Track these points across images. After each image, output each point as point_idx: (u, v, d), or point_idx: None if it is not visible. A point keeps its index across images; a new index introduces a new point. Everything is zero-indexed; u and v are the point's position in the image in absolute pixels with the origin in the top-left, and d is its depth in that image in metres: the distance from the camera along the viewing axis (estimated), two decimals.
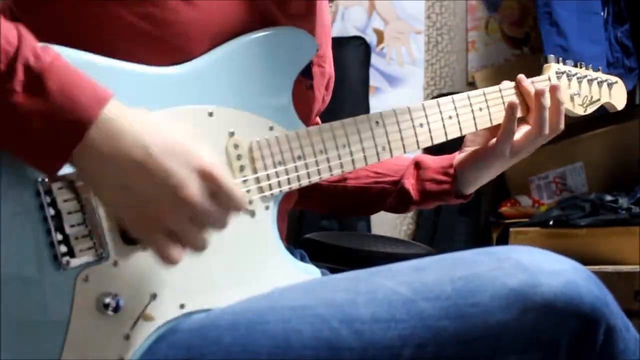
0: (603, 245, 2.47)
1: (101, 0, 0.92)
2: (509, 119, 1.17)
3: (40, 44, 0.80)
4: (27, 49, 0.78)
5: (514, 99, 1.18)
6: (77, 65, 0.82)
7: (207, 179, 0.81)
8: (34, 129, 0.77)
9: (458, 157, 1.23)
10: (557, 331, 0.83)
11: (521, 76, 1.21)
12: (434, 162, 1.25)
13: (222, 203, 0.83)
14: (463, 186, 1.23)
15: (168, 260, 0.82)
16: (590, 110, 1.33)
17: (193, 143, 0.82)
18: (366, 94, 2.97)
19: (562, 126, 1.20)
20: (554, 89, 1.20)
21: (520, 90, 1.21)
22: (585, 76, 1.31)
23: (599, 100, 1.34)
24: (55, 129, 0.78)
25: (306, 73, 1.10)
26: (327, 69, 1.16)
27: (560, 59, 1.30)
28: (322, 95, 1.16)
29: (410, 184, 1.24)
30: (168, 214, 0.80)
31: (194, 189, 0.80)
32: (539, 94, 1.18)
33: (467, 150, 1.23)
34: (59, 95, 0.78)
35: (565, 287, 0.83)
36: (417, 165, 1.26)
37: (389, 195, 1.26)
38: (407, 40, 3.04)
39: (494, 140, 1.18)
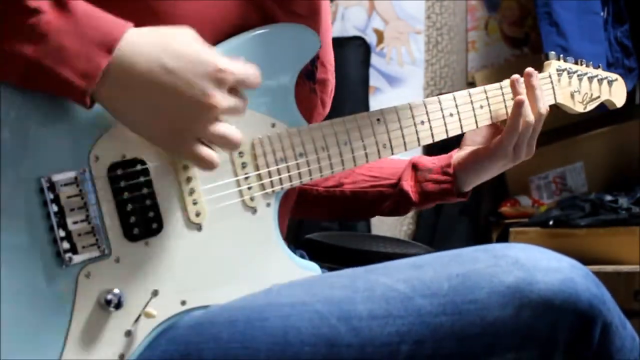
0: (603, 245, 2.47)
1: None
2: (514, 116, 1.15)
3: None
4: None
5: (520, 96, 1.16)
6: None
7: (223, 78, 0.85)
8: (65, 47, 0.79)
9: (457, 155, 1.23)
10: (554, 328, 0.84)
11: (516, 77, 1.19)
12: (432, 162, 1.24)
13: (241, 93, 0.88)
14: (462, 185, 1.23)
15: (208, 164, 0.87)
16: (590, 107, 1.32)
17: (202, 48, 0.86)
18: (366, 94, 2.97)
19: (544, 111, 1.18)
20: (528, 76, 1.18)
21: (513, 90, 1.18)
22: (586, 73, 1.31)
23: (598, 97, 1.33)
24: (85, 49, 0.80)
25: (310, 76, 1.11)
26: (329, 78, 1.16)
27: (561, 56, 1.30)
28: (325, 101, 1.15)
29: (409, 185, 1.24)
30: (198, 122, 0.85)
31: (217, 94, 0.84)
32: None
33: (467, 149, 1.22)
34: (85, 16, 0.81)
35: (563, 284, 0.84)
36: (415, 167, 1.25)
37: (386, 198, 1.26)
38: (407, 40, 3.04)
39: (498, 138, 1.17)
